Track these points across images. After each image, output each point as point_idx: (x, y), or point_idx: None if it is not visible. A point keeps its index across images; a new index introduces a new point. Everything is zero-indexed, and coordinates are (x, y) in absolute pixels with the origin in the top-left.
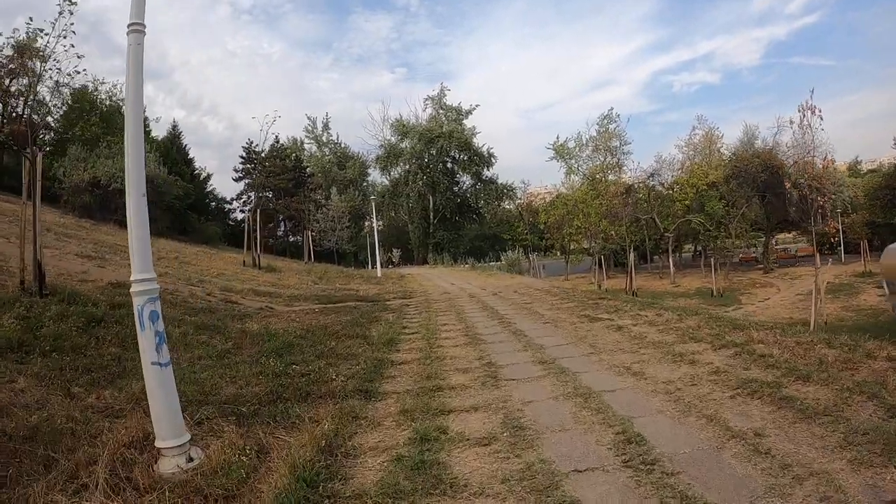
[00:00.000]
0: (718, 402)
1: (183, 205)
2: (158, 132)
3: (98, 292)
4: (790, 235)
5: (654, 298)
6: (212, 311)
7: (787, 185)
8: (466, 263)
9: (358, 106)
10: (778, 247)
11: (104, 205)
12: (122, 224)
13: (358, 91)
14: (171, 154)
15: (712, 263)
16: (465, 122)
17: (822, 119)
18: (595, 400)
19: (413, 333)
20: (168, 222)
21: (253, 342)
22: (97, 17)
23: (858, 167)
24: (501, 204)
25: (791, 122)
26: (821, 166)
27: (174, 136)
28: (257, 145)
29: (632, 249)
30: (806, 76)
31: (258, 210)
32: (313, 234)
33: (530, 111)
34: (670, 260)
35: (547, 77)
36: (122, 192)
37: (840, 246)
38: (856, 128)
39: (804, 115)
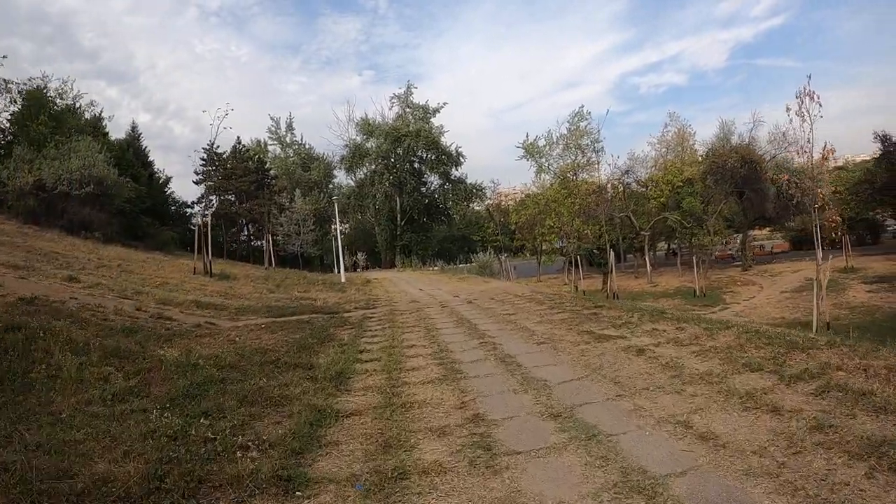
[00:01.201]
0: (857, 490)
1: (135, 208)
2: (118, 134)
3: (2, 310)
4: (763, 232)
5: (634, 299)
6: (133, 332)
7: (784, 177)
8: (435, 266)
9: (326, 110)
10: (754, 244)
11: (50, 209)
12: (69, 230)
13: (327, 94)
14: (126, 156)
15: (694, 262)
16: (432, 120)
17: (821, 106)
18: (666, 500)
19: (371, 361)
20: (118, 227)
21: (166, 377)
22: (63, 19)
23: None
24: (471, 204)
25: (788, 110)
26: (820, 156)
27: (133, 138)
28: (217, 146)
29: (610, 249)
30: (771, 77)
31: (210, 213)
32: (277, 238)
33: (500, 111)
34: (647, 259)
35: (516, 77)
36: (68, 196)
37: (817, 240)
38: (820, 127)
39: (802, 102)
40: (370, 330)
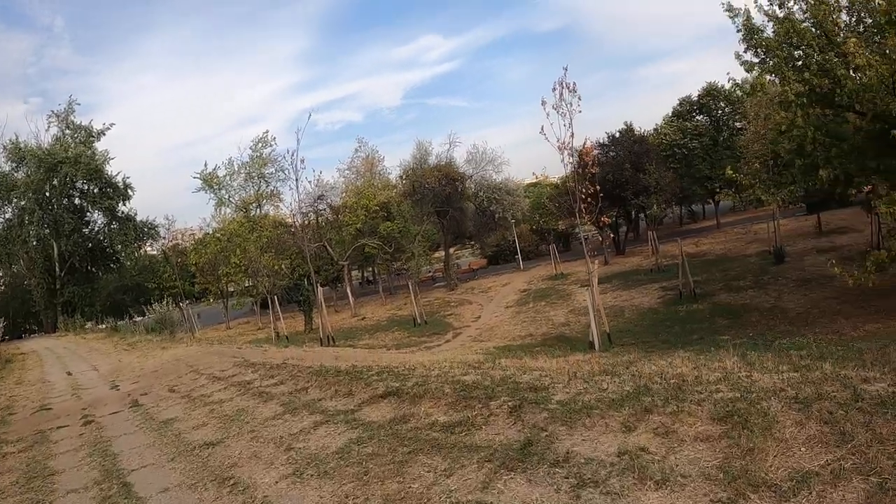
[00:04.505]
0: None
1: None
2: None
3: None
4: (454, 251)
5: (347, 338)
6: None
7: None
8: (105, 324)
9: None
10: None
11: None
12: None
13: None
14: None
15: (410, 287)
16: (96, 144)
17: (580, 100)
18: None
19: None
20: None
21: None
22: None
23: None
24: (143, 246)
25: (544, 103)
26: (584, 149)
27: None
28: None
29: (317, 283)
30: (442, 114)
31: None
32: None
33: (181, 146)
34: (349, 290)
35: (197, 112)
36: None
37: (518, 253)
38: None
39: (561, 95)
40: None
